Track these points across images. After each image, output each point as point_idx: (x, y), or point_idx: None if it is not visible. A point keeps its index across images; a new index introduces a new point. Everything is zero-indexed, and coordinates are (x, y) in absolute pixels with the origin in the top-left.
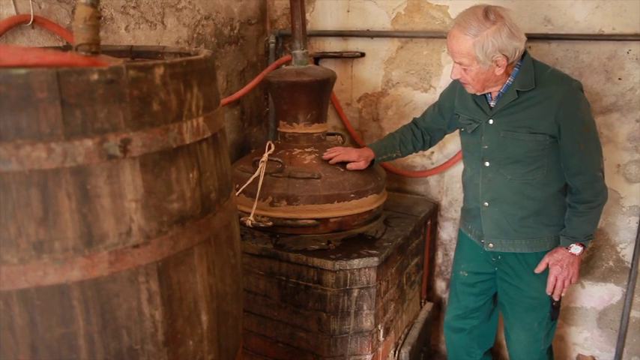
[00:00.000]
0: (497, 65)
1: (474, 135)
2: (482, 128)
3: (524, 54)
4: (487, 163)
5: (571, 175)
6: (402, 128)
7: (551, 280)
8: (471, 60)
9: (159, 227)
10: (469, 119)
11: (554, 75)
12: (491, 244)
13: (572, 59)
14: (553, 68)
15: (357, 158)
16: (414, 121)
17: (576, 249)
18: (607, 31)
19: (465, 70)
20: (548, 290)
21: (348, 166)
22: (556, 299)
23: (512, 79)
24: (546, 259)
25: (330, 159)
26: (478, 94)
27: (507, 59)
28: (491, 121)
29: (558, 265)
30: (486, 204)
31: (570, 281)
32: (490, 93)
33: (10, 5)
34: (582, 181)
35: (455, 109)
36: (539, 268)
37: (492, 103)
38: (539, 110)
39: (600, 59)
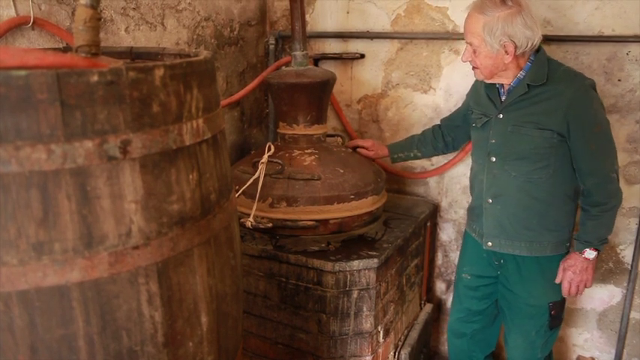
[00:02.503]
0: (505, 52)
1: (483, 129)
2: (492, 122)
3: (539, 49)
4: (493, 159)
5: (583, 176)
6: (426, 129)
7: (564, 285)
8: (480, 41)
9: (159, 228)
10: (480, 114)
11: (567, 72)
12: (490, 243)
13: (571, 60)
14: (568, 66)
15: (370, 146)
16: (438, 124)
17: (590, 254)
18: (606, 32)
19: (474, 51)
20: (564, 294)
21: (358, 149)
22: (573, 300)
23: (523, 73)
24: (561, 267)
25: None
26: (486, 81)
27: (515, 47)
28: (500, 116)
29: (571, 270)
30: (490, 200)
31: (585, 285)
32: (503, 87)
33: (10, 7)
34: (594, 182)
35: (470, 107)
36: (558, 279)
37: (503, 98)
38: (548, 106)
39: (600, 61)
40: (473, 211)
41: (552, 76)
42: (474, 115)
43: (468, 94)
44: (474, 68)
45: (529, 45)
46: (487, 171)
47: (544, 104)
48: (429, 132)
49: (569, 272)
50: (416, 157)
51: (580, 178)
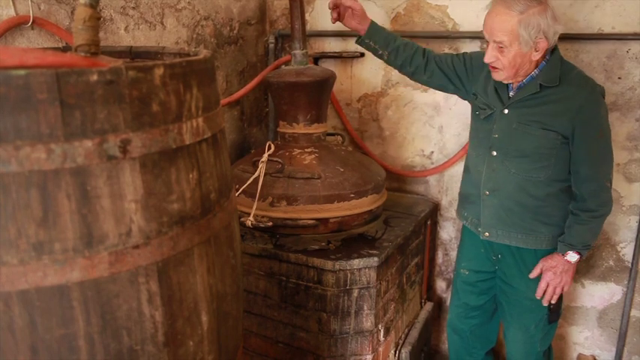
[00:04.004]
0: (535, 49)
1: (487, 122)
2: (496, 117)
3: (555, 50)
4: (494, 153)
5: (579, 182)
6: (412, 44)
7: (541, 285)
8: (513, 39)
9: (159, 228)
10: (485, 104)
11: (579, 76)
12: (487, 234)
13: (571, 58)
14: (580, 70)
15: (358, 9)
16: (429, 52)
17: (572, 256)
18: (606, 30)
19: (501, 51)
20: (538, 295)
21: (342, 6)
22: (544, 304)
23: (537, 72)
24: (540, 265)
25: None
26: (506, 81)
27: (548, 43)
28: (506, 111)
29: (551, 271)
30: (487, 193)
31: (562, 288)
32: (512, 83)
33: (9, 6)
34: (590, 188)
35: (474, 88)
36: (534, 274)
37: (512, 93)
38: (557, 108)
39: (600, 58)
40: (466, 199)
41: (564, 79)
42: (477, 101)
43: (473, 59)
44: (494, 69)
45: (554, 40)
46: (487, 164)
47: (553, 106)
48: (411, 49)
49: (550, 273)
50: (380, 57)
51: (575, 183)
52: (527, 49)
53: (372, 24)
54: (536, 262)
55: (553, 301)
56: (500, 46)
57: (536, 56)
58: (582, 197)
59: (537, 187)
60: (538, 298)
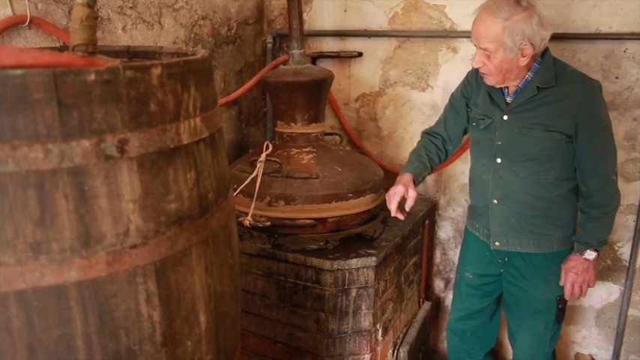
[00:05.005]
0: (522, 55)
1: (487, 131)
2: (497, 124)
3: (545, 51)
4: (499, 160)
5: (585, 178)
6: (426, 146)
7: (567, 287)
8: (498, 46)
9: (156, 228)
10: (482, 114)
11: (574, 74)
12: (497, 243)
13: (569, 58)
14: (573, 67)
15: (406, 189)
16: (432, 135)
17: (590, 254)
18: (604, 30)
19: (488, 57)
20: (566, 297)
21: (408, 205)
22: (573, 301)
23: (531, 75)
24: (563, 268)
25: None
26: (497, 86)
27: (534, 49)
28: (505, 117)
29: (572, 271)
30: (495, 202)
31: (588, 285)
32: (507, 88)
33: (6, 6)
34: (596, 184)
35: (469, 103)
36: (562, 282)
37: (509, 99)
38: (558, 108)
39: (597, 58)
40: (475, 211)
41: (560, 78)
42: (473, 113)
43: (458, 94)
44: (483, 74)
45: (542, 45)
46: (493, 172)
47: (553, 106)
48: (432, 148)
49: (571, 274)
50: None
51: (581, 179)
52: (512, 56)
53: (415, 176)
54: (545, 263)
55: (583, 297)
56: (487, 52)
57: (524, 62)
58: (589, 193)
59: (547, 188)
60: (568, 298)
